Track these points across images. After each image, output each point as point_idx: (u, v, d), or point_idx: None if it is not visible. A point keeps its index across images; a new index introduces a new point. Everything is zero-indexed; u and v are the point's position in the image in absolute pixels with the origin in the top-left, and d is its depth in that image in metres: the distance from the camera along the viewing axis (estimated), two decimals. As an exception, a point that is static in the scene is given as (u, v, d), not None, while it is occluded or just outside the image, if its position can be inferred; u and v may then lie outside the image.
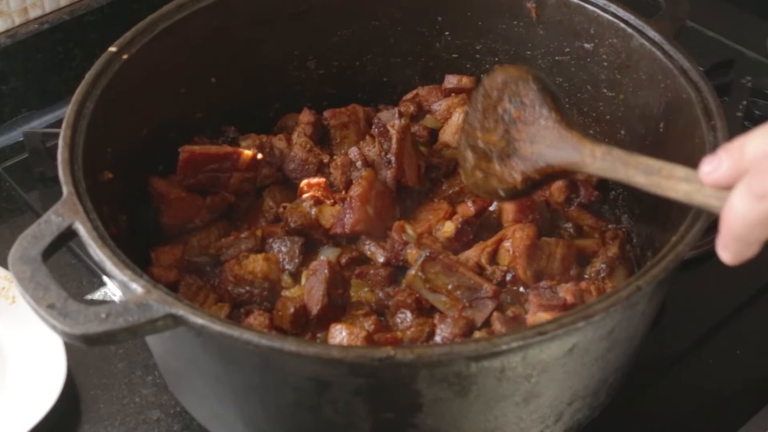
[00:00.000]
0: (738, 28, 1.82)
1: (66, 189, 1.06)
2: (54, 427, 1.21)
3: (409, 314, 1.19)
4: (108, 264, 0.99)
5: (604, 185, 1.36)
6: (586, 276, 1.26)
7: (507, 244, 1.26)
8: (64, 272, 1.41)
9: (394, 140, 1.31)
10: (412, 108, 1.46)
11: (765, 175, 0.85)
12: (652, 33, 1.26)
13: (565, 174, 1.17)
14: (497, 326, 1.16)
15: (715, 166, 0.91)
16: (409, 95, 1.49)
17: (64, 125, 1.13)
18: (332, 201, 1.32)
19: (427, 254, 1.22)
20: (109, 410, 1.26)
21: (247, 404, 1.06)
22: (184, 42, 1.31)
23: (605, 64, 1.33)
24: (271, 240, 1.28)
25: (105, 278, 1.40)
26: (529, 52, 1.41)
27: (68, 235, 1.02)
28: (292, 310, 1.16)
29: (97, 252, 1.00)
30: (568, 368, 1.02)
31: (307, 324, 1.18)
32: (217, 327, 0.93)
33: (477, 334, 1.16)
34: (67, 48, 1.67)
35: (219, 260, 1.27)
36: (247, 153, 1.31)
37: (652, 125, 1.26)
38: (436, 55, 1.48)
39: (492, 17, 1.42)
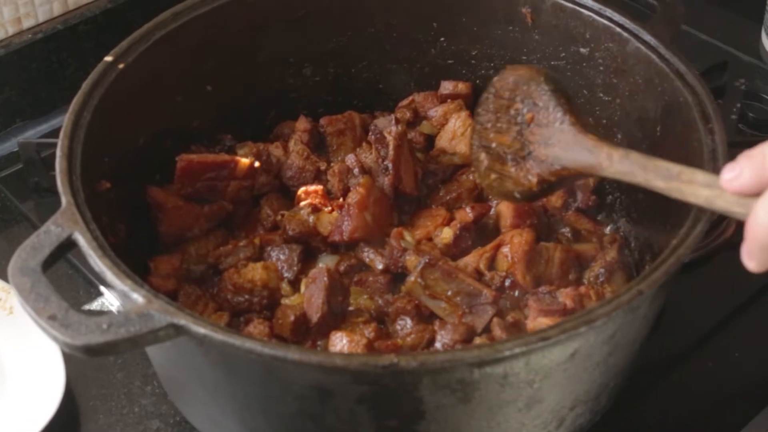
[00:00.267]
0: (731, 31, 1.83)
1: (65, 199, 1.06)
2: (54, 438, 1.21)
3: (409, 321, 1.19)
4: (108, 274, 0.99)
5: (601, 190, 1.36)
6: (585, 281, 1.26)
7: (505, 249, 1.26)
8: (61, 282, 1.41)
9: (391, 147, 1.31)
10: (408, 114, 1.46)
11: None
12: (647, 37, 1.26)
13: (582, 176, 1.16)
14: (497, 332, 1.16)
15: (736, 174, 0.91)
16: (405, 101, 1.49)
17: (61, 135, 1.13)
18: (330, 208, 1.31)
19: (426, 261, 1.22)
20: (109, 420, 1.25)
21: (249, 413, 1.05)
22: (180, 50, 1.31)
23: (601, 68, 1.33)
24: (269, 248, 1.28)
25: (102, 288, 1.40)
26: (524, 57, 1.41)
27: (68, 245, 1.02)
28: (292, 318, 1.16)
29: (98, 262, 1.00)
30: (570, 373, 1.02)
31: (308, 332, 1.17)
32: (219, 336, 0.93)
33: (477, 340, 1.16)
34: (61, 57, 1.66)
35: (217, 269, 1.27)
36: (245, 161, 1.31)
37: (648, 129, 1.26)
38: (431, 61, 1.48)
39: (487, 23, 1.42)
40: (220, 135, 1.40)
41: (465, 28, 1.44)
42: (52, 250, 1.00)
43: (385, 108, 1.49)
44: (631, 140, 1.30)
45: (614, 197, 1.35)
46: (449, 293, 1.21)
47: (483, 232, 1.32)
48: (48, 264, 1.00)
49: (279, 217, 1.31)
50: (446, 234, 1.29)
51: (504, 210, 1.31)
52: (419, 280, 1.21)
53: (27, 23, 1.64)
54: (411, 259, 1.24)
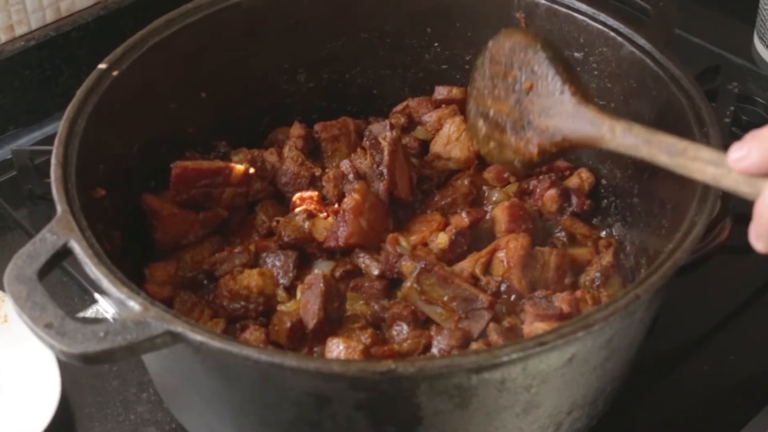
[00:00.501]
0: (724, 34, 1.83)
1: (60, 207, 1.06)
2: (49, 447, 1.21)
3: (405, 326, 1.19)
4: (105, 282, 0.98)
5: (596, 194, 1.36)
6: (581, 285, 1.26)
7: (501, 254, 1.26)
8: (55, 290, 1.40)
9: (385, 152, 1.31)
10: (402, 120, 1.46)
11: None
12: (641, 41, 1.27)
13: (584, 147, 1.12)
14: (494, 337, 1.16)
15: (744, 154, 0.90)
16: (400, 107, 1.49)
17: (56, 143, 1.12)
18: (325, 214, 1.31)
19: (422, 266, 1.22)
20: (104, 428, 1.25)
21: (246, 420, 1.05)
22: (174, 57, 1.31)
23: (595, 72, 1.33)
24: (264, 254, 1.28)
25: (97, 295, 1.39)
26: (518, 62, 1.41)
27: (63, 253, 1.02)
28: (288, 324, 1.16)
29: (94, 270, 0.99)
30: (567, 378, 1.02)
31: (304, 338, 1.17)
32: (216, 344, 0.92)
33: (474, 346, 1.16)
34: (53, 65, 1.66)
35: (213, 276, 1.26)
36: (239, 168, 1.31)
37: (643, 133, 1.26)
38: (425, 66, 1.48)
39: (481, 27, 1.41)
40: (215, 142, 1.40)
41: (459, 33, 1.44)
42: (48, 258, 1.00)
43: (380, 113, 1.49)
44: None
45: (609, 201, 1.35)
46: (445, 298, 1.21)
47: (478, 236, 1.31)
48: (44, 272, 1.00)
49: (274, 224, 1.31)
50: (441, 239, 1.29)
51: (499, 215, 1.31)
52: (415, 285, 1.21)
53: (20, 30, 1.64)
54: (407, 265, 1.24)
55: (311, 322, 1.17)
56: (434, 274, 1.21)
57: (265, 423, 1.04)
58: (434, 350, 1.16)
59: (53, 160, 1.11)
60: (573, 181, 1.37)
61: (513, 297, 1.23)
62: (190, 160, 1.31)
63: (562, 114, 1.10)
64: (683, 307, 1.35)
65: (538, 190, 1.35)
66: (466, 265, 1.26)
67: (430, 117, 1.45)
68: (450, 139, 1.40)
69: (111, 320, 1.28)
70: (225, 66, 1.38)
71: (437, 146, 1.42)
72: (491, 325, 1.18)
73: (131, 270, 1.17)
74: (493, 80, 1.19)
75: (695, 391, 1.30)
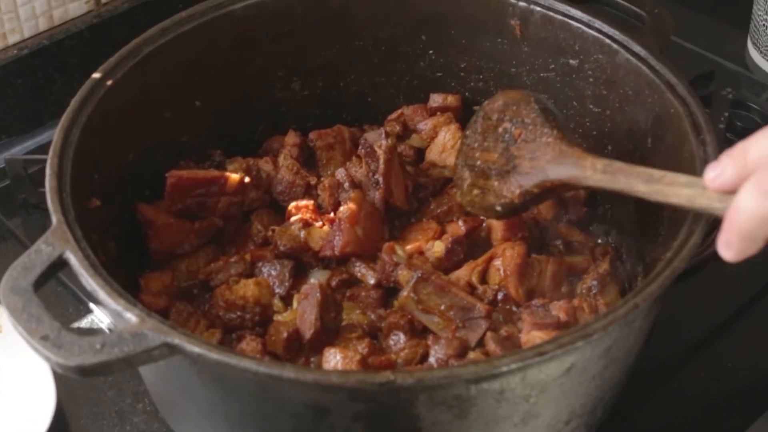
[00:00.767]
0: (717, 40, 1.83)
1: (55, 218, 1.05)
2: (45, 458, 1.20)
3: (402, 336, 1.19)
4: (101, 294, 0.98)
5: (592, 201, 1.36)
6: (578, 293, 1.25)
7: (497, 262, 1.26)
8: (50, 300, 1.39)
9: (381, 161, 1.31)
10: (397, 128, 1.46)
11: None
12: (637, 48, 1.26)
13: (565, 188, 1.17)
14: (491, 346, 1.15)
15: (719, 172, 0.95)
16: (394, 115, 1.48)
17: (50, 153, 1.12)
18: (321, 223, 1.31)
19: (419, 275, 1.21)
20: (100, 439, 1.25)
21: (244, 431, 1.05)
22: (169, 66, 1.31)
23: (591, 79, 1.33)
24: (260, 264, 1.27)
25: (92, 306, 1.39)
26: (514, 69, 1.41)
27: (59, 264, 1.01)
28: (285, 334, 1.15)
29: (90, 282, 0.99)
30: (565, 387, 1.01)
31: (301, 348, 1.17)
32: (214, 355, 0.92)
33: (471, 355, 1.16)
34: (47, 73, 1.65)
35: (208, 285, 1.26)
36: (235, 177, 1.31)
37: (639, 140, 1.26)
38: (420, 74, 1.48)
39: (476, 35, 1.42)
40: (210, 150, 1.40)
41: (454, 40, 1.44)
42: (43, 269, 1.00)
43: (374, 121, 1.49)
44: (621, 151, 1.29)
45: (606, 209, 1.35)
46: (442, 307, 1.20)
47: (474, 245, 1.31)
48: (39, 284, 0.99)
49: (270, 233, 1.31)
50: (438, 248, 1.28)
51: (495, 223, 1.31)
52: (412, 294, 1.21)
53: (12, 39, 1.63)
54: (403, 274, 1.24)
55: (308, 332, 1.16)
56: (431, 283, 1.21)
57: (263, 434, 1.04)
58: (431, 360, 1.15)
59: (48, 171, 1.10)
60: (569, 189, 1.36)
61: (510, 305, 1.22)
62: (184, 170, 1.31)
63: (547, 155, 1.15)
64: (680, 313, 1.34)
65: (534, 197, 1.35)
66: (462, 274, 1.26)
67: (425, 125, 1.45)
68: (445, 147, 1.40)
69: (107, 332, 1.28)
70: (219, 74, 1.38)
71: (432, 154, 1.42)
72: (488, 334, 1.17)
73: (126, 279, 1.17)
74: (483, 135, 1.24)
75: (693, 397, 1.30)
